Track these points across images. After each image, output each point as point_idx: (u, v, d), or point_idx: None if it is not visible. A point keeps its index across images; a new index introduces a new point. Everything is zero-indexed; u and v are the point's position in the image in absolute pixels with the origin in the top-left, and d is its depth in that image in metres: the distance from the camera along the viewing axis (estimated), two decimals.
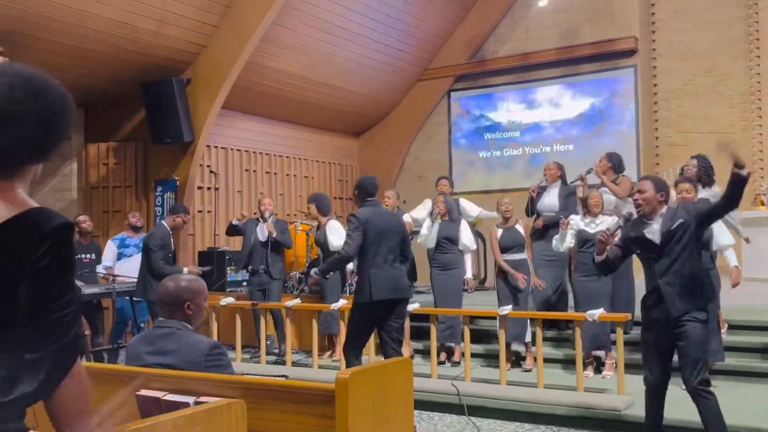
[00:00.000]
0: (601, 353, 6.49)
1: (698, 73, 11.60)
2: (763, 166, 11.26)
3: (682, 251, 4.28)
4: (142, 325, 7.70)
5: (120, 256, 8.22)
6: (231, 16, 8.89)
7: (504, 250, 6.84)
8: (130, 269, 7.81)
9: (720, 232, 5.71)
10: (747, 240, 6.45)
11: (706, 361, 4.37)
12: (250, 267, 7.94)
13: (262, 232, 7.84)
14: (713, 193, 6.61)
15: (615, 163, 7.13)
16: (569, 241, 6.47)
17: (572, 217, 6.58)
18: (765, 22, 11.45)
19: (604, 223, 6.12)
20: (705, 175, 6.69)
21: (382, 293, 5.27)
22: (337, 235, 7.61)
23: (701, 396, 4.17)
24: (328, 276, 6.02)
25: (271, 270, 7.79)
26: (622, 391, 5.52)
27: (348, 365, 5.32)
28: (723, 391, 5.70)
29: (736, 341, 6.40)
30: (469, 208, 8.12)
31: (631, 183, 6.94)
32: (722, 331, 6.43)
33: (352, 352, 5.41)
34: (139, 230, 8.34)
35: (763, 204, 9.98)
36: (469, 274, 7.31)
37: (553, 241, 6.60)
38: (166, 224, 7.33)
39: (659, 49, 11.66)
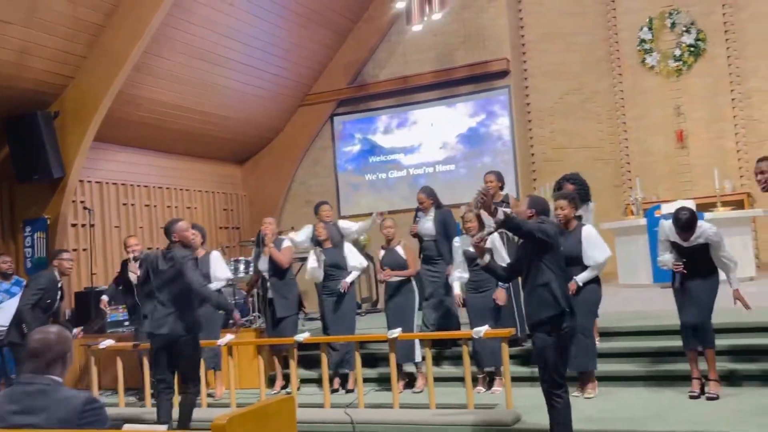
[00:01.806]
0: (491, 368, 6.61)
1: (568, 91, 12.19)
2: (630, 177, 11.93)
3: (529, 266, 4.60)
4: (13, 376, 7.18)
5: None
6: (99, 47, 8.55)
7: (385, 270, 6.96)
8: (1, 318, 7.29)
9: (592, 246, 5.90)
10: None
11: (557, 369, 4.53)
12: (113, 304, 7.60)
13: (132, 274, 7.49)
14: (588, 209, 6.90)
15: (502, 182, 7.34)
16: (458, 261, 6.61)
17: (455, 240, 6.74)
18: (624, 43, 12.20)
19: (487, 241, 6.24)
20: (584, 194, 6.94)
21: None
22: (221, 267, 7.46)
23: (551, 400, 4.56)
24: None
25: (144, 310, 7.45)
26: (511, 405, 5.63)
27: None
28: (599, 396, 5.95)
29: (610, 347, 6.67)
30: (347, 226, 8.12)
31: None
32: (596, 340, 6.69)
33: None
34: (9, 276, 7.81)
35: (632, 213, 10.54)
36: (348, 279, 7.22)
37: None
38: (55, 270, 6.90)
39: (530, 70, 12.17)
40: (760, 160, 5.11)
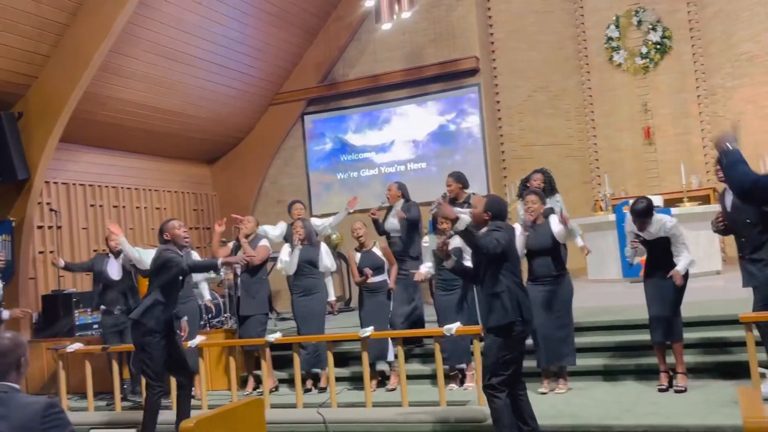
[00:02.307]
0: (463, 365, 6.64)
1: (536, 89, 12.28)
2: (599, 174, 12.06)
3: (485, 273, 4.67)
4: None
5: None
6: (64, 46, 8.42)
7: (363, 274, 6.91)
8: None
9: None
10: (585, 250, 6.78)
11: (496, 370, 4.58)
12: (102, 307, 7.48)
13: (114, 268, 7.41)
14: (555, 200, 7.03)
15: (463, 182, 7.41)
16: (428, 260, 6.63)
17: (424, 240, 6.77)
18: (591, 41, 12.33)
19: (455, 239, 6.24)
20: (549, 188, 7.10)
21: None
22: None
23: (489, 398, 4.64)
24: None
25: (131, 306, 7.37)
26: (483, 402, 5.64)
27: None
28: (574, 391, 6.01)
29: (582, 342, 6.72)
30: (318, 223, 8.12)
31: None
32: None
33: None
34: None
35: (601, 209, 10.65)
36: (332, 297, 7.28)
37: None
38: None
39: (499, 68, 12.23)
40: None
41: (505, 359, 4.58)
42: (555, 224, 6.01)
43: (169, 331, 5.75)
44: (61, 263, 7.76)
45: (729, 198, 5.33)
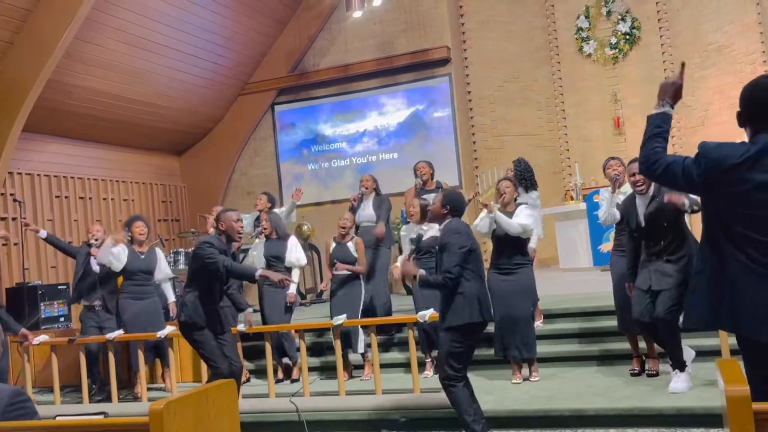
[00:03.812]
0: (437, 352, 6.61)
1: (507, 79, 12.29)
2: (570, 164, 12.12)
3: (437, 269, 4.70)
4: None
5: None
6: (26, 32, 8.21)
7: (335, 264, 6.88)
8: None
9: (521, 215, 5.93)
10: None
11: (451, 359, 4.56)
12: (83, 302, 7.28)
13: (94, 263, 7.19)
14: (532, 197, 6.96)
15: (433, 170, 7.45)
16: (405, 250, 6.61)
17: (402, 230, 6.74)
18: (562, 31, 12.38)
19: (432, 229, 6.19)
20: (523, 179, 7.03)
21: None
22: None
23: (446, 389, 4.64)
24: None
25: (108, 304, 7.21)
26: None
27: None
28: (546, 377, 6.03)
29: (553, 329, 6.76)
30: (277, 211, 7.95)
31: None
32: (538, 322, 6.77)
33: None
34: None
35: (572, 198, 10.71)
36: (292, 290, 7.12)
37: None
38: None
39: (470, 58, 12.22)
40: (633, 161, 4.91)
41: (459, 351, 4.57)
42: (520, 209, 5.95)
43: (215, 323, 5.37)
44: (43, 233, 7.56)
45: (641, 209, 5.17)
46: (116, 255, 6.87)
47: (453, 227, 4.66)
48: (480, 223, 5.98)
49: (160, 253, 7.29)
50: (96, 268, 7.17)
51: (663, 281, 5.06)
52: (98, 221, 10.44)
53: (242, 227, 5.52)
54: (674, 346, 5.13)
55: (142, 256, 7.01)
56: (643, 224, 5.20)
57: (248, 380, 7.13)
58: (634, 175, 5.20)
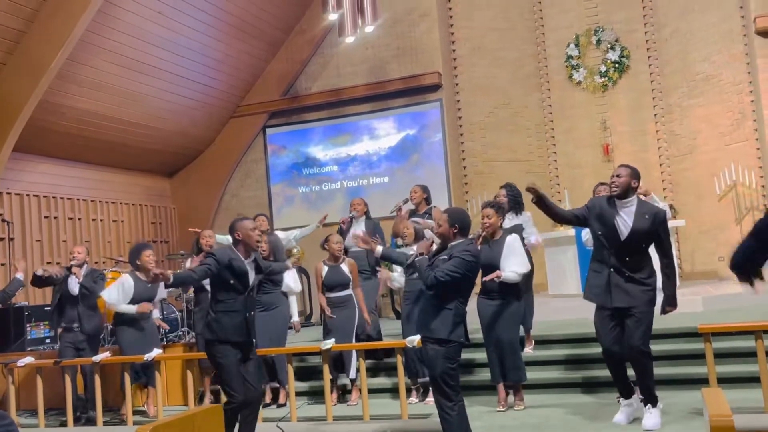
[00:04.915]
0: (426, 379, 6.57)
1: (498, 105, 12.39)
2: (560, 190, 12.19)
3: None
4: None
5: None
6: (20, 53, 8.24)
7: (329, 288, 6.80)
8: None
9: (511, 253, 5.89)
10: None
11: (445, 379, 4.49)
12: (63, 324, 7.20)
13: (74, 284, 7.14)
14: (525, 219, 6.97)
15: (428, 195, 7.44)
16: (398, 270, 6.57)
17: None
18: (552, 59, 12.51)
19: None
20: (516, 203, 7.04)
21: None
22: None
23: (442, 412, 4.51)
24: None
25: (85, 325, 7.12)
26: None
27: None
28: (533, 404, 6.01)
29: (540, 356, 6.76)
30: (282, 235, 7.99)
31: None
32: (528, 348, 6.77)
33: None
34: None
35: (561, 225, 10.72)
36: (295, 317, 7.11)
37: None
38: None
39: (461, 84, 12.33)
40: (621, 166, 5.14)
41: (453, 370, 4.52)
42: (510, 249, 5.87)
43: (239, 338, 4.99)
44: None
45: (624, 226, 5.04)
46: (126, 289, 6.83)
47: (472, 251, 4.56)
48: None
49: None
50: (75, 289, 7.10)
51: (625, 299, 4.98)
52: (86, 242, 10.41)
53: (260, 234, 5.29)
54: (647, 377, 5.01)
55: (149, 285, 6.89)
56: (623, 237, 5.03)
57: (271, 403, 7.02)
58: (619, 176, 5.09)
